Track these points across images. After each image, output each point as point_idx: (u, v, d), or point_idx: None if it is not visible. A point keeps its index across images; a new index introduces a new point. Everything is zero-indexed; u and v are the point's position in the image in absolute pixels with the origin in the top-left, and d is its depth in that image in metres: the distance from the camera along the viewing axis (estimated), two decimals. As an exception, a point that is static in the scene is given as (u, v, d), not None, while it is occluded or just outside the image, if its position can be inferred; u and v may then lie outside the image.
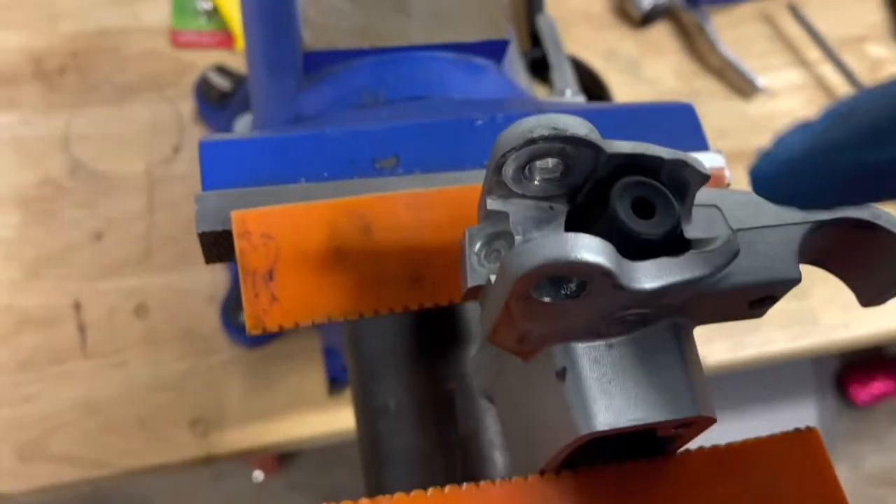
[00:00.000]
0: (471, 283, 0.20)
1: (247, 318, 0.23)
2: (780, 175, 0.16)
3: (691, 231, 0.20)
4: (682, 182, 0.20)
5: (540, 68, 0.61)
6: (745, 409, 1.12)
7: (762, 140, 0.62)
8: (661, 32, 0.67)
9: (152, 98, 0.58)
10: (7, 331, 0.50)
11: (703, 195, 0.21)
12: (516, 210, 0.20)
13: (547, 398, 0.21)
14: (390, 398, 0.33)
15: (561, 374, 0.20)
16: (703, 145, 0.29)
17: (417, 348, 0.33)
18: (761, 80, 0.64)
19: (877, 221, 0.21)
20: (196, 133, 0.58)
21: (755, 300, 0.21)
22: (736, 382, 1.14)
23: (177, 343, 0.52)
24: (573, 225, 0.21)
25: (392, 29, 0.34)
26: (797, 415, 1.17)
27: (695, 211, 0.21)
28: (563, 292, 0.18)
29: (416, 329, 0.33)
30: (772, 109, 0.65)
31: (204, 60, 0.59)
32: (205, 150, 0.24)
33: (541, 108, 0.33)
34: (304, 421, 0.51)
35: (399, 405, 0.33)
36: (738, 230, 0.20)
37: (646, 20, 0.65)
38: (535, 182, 0.20)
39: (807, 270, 0.51)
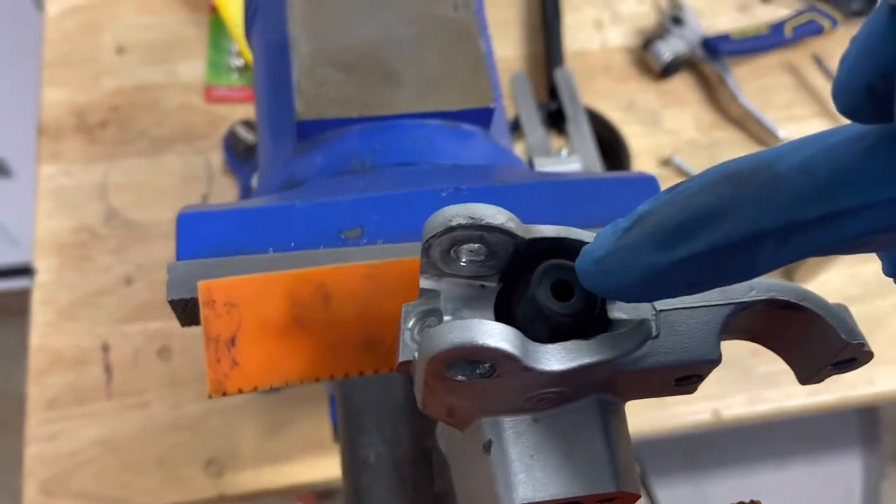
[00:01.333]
0: (401, 358, 0.21)
1: (208, 382, 0.24)
2: (593, 272, 0.17)
3: (616, 312, 0.21)
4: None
5: (557, 120, 0.63)
6: (787, 460, 1.09)
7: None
8: (681, 83, 0.67)
9: (185, 150, 0.62)
10: (39, 370, 0.53)
11: (631, 276, 0.22)
12: (448, 288, 0.22)
13: (477, 469, 0.22)
14: (371, 451, 0.34)
15: (487, 447, 0.21)
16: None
17: (402, 403, 0.34)
18: (782, 132, 0.63)
19: (801, 303, 0.22)
20: (224, 183, 0.61)
21: (680, 378, 0.22)
22: (779, 431, 1.11)
23: (196, 385, 0.54)
24: (503, 303, 0.22)
25: (381, 98, 0.36)
26: (842, 467, 1.13)
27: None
28: (477, 372, 0.19)
29: (403, 383, 0.34)
30: (795, 160, 0.65)
31: (234, 114, 0.62)
32: (181, 221, 0.26)
33: (520, 174, 0.34)
34: (314, 465, 0.53)
35: (379, 459, 0.34)
36: (661, 311, 0.21)
37: (666, 72, 0.66)
38: (462, 263, 0.21)
39: None
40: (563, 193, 0.30)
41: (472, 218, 0.20)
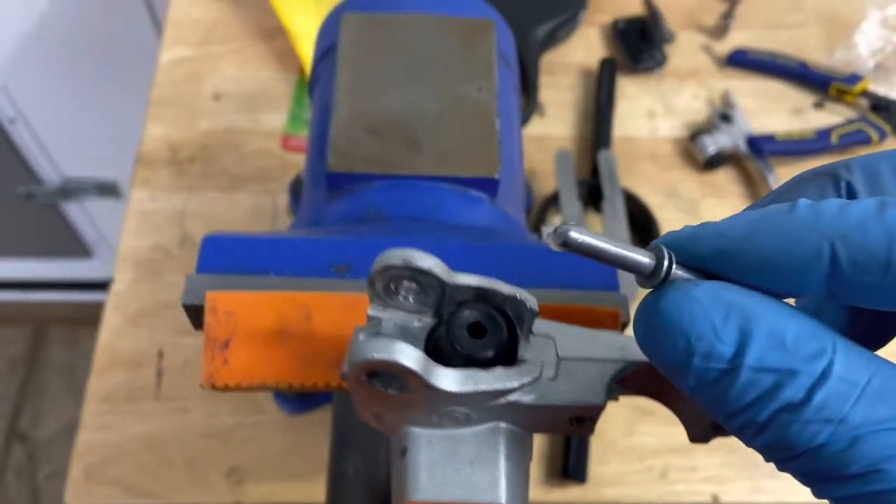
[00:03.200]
0: (343, 371, 0.26)
1: (203, 375, 0.30)
2: None
3: (526, 353, 0.25)
4: (520, 314, 0.25)
5: (596, 197, 0.67)
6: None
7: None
8: (724, 177, 0.70)
9: (257, 189, 0.69)
10: (101, 367, 0.60)
11: (543, 326, 0.26)
12: (390, 317, 0.26)
13: (396, 470, 0.26)
14: (351, 464, 0.39)
15: (403, 452, 0.25)
16: (613, 285, 0.33)
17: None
18: (817, 232, 0.65)
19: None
20: (286, 222, 0.67)
21: (573, 418, 0.25)
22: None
23: (232, 399, 0.59)
24: (436, 337, 0.26)
25: (402, 160, 0.41)
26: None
27: (535, 339, 0.26)
28: (393, 385, 0.24)
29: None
30: (829, 261, 0.66)
31: (304, 163, 0.69)
32: (205, 242, 0.32)
33: (504, 237, 0.39)
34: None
35: (356, 472, 0.38)
36: (563, 358, 0.25)
37: (710, 164, 0.69)
38: (401, 298, 0.26)
39: None
40: (525, 256, 0.34)
41: (405, 261, 0.24)
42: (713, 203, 0.69)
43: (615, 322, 0.32)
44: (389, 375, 0.24)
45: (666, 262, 0.19)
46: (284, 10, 0.73)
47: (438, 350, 0.25)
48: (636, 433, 0.59)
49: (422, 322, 0.26)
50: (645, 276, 0.20)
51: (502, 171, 0.41)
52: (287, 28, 0.74)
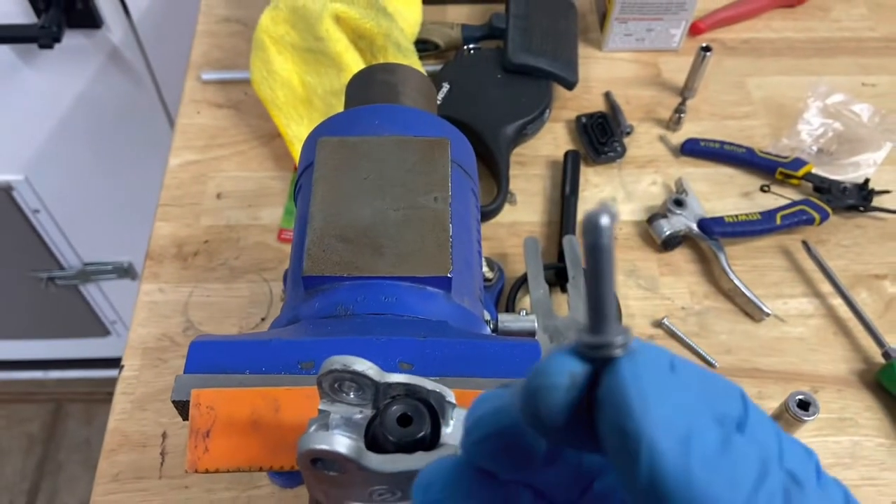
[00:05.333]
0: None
1: (187, 461, 0.36)
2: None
3: (447, 438, 0.31)
4: (441, 405, 0.31)
5: (563, 279, 0.73)
6: None
7: (765, 360, 0.69)
8: (681, 256, 0.76)
9: (255, 278, 0.76)
10: (110, 449, 0.66)
11: (463, 413, 0.32)
12: (337, 410, 0.32)
13: (341, 538, 0.32)
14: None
15: (345, 526, 0.31)
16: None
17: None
18: (768, 308, 0.71)
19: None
20: (280, 307, 0.74)
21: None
22: None
23: (229, 475, 0.65)
24: (372, 426, 0.32)
25: (367, 263, 0.48)
26: None
27: (455, 425, 0.32)
28: (333, 468, 0.30)
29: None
30: (781, 333, 0.72)
31: (297, 254, 0.76)
32: (192, 347, 0.39)
33: (452, 332, 0.45)
34: (315, 557, 0.62)
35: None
36: (475, 442, 0.31)
37: (666, 245, 0.75)
38: (345, 394, 0.32)
39: None
40: (465, 350, 0.40)
41: (345, 365, 0.31)
42: (671, 280, 0.75)
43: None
44: (330, 460, 0.30)
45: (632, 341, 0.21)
46: (280, 118, 0.81)
47: (375, 437, 0.31)
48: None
49: (363, 414, 0.32)
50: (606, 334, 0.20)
51: (455, 270, 0.48)
52: (283, 133, 0.82)
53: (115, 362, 0.70)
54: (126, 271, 1.62)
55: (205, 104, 0.88)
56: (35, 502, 1.76)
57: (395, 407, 0.31)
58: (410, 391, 0.31)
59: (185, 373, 0.38)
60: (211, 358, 0.38)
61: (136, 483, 0.64)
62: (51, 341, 1.85)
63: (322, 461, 0.30)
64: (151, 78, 1.24)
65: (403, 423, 0.31)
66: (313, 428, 0.32)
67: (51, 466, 1.84)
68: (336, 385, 0.32)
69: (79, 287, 1.66)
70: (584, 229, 0.19)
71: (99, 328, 1.79)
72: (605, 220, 0.19)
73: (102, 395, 1.87)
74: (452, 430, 0.31)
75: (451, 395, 0.31)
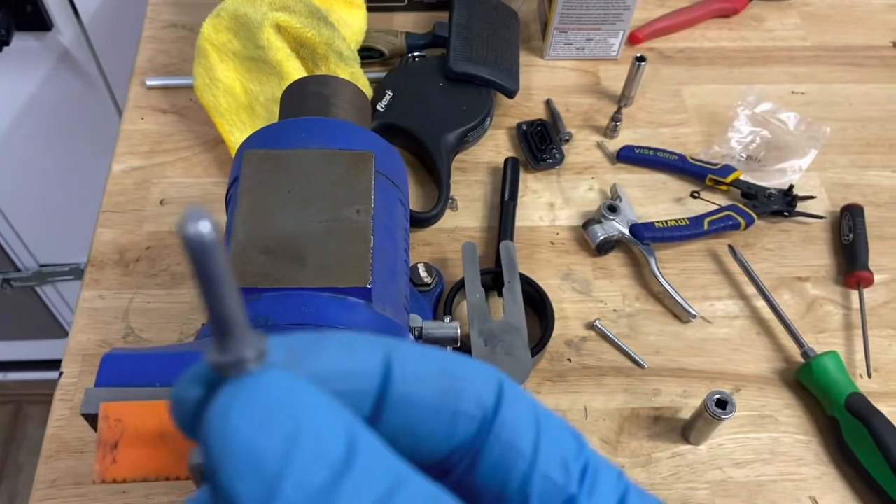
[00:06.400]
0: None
1: (95, 471, 0.37)
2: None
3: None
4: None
5: (499, 283, 0.75)
6: None
7: (692, 360, 0.72)
8: (614, 260, 0.78)
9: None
10: (48, 455, 0.66)
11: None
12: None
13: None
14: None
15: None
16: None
17: None
18: (694, 310, 0.73)
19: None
20: (221, 315, 0.75)
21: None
22: None
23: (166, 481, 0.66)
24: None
25: (288, 275, 0.49)
26: None
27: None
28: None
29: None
30: (707, 334, 0.74)
31: (239, 259, 0.77)
32: (104, 360, 0.40)
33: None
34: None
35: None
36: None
37: (600, 250, 0.78)
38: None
39: (714, 486, 0.62)
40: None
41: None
42: (604, 283, 0.77)
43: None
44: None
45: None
46: (223, 125, 0.82)
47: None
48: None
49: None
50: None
51: (375, 280, 0.49)
52: (226, 140, 0.83)
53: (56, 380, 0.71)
54: (83, 273, 1.62)
55: (149, 110, 0.89)
56: (-7, 505, 1.75)
57: None
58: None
59: (95, 386, 0.39)
60: (122, 371, 0.40)
61: (75, 489, 0.65)
62: (9, 343, 1.84)
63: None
64: (103, 80, 1.24)
65: None
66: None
67: (10, 469, 1.83)
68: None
69: (35, 289, 1.65)
70: (182, 242, 0.17)
71: (57, 330, 1.78)
72: (195, 228, 0.17)
73: (63, 396, 1.87)
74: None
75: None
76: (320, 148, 0.55)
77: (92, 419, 0.38)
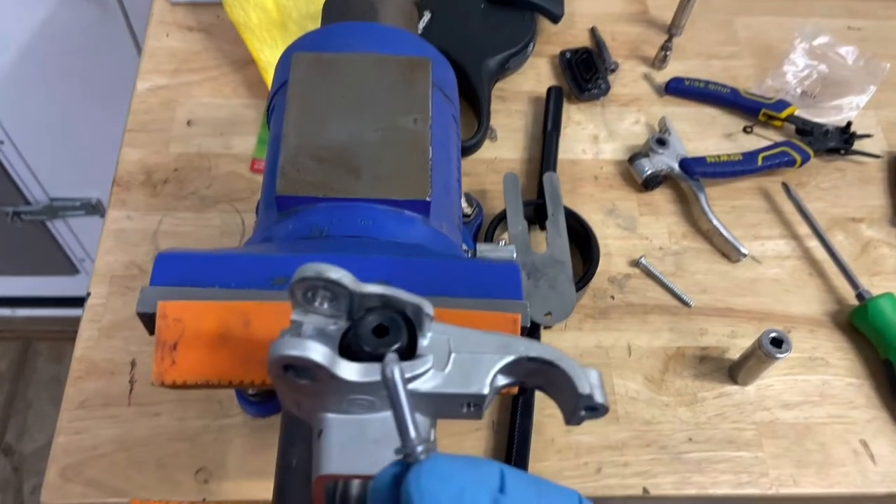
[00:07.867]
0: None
1: (153, 373, 0.34)
2: None
3: (424, 350, 0.30)
4: (419, 317, 0.30)
5: (541, 216, 0.72)
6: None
7: (740, 300, 0.69)
8: (661, 196, 0.75)
9: (226, 209, 0.74)
10: (77, 376, 0.64)
11: (440, 328, 0.31)
12: (310, 321, 0.31)
13: (314, 449, 0.31)
14: (295, 457, 0.43)
15: (318, 434, 0.30)
16: (517, 295, 0.38)
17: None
18: (745, 249, 0.71)
19: (555, 361, 0.30)
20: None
21: (466, 403, 0.30)
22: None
23: (200, 403, 0.64)
24: (347, 337, 0.31)
25: (343, 185, 0.46)
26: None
27: (432, 337, 0.31)
28: (305, 376, 0.29)
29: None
30: (757, 274, 0.72)
31: (271, 184, 0.74)
32: (158, 258, 0.37)
33: (432, 253, 0.44)
34: (285, 486, 0.62)
35: (299, 463, 0.43)
36: (455, 354, 0.30)
37: (647, 185, 0.74)
38: (318, 304, 0.31)
39: (761, 427, 0.61)
40: (444, 270, 0.39)
41: (318, 273, 0.29)
42: (650, 220, 0.74)
43: (514, 325, 0.37)
44: (302, 368, 0.29)
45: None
46: (253, 42, 0.78)
47: (350, 348, 0.30)
48: (574, 432, 0.63)
49: (337, 325, 0.31)
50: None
51: (433, 194, 0.47)
52: (256, 59, 0.79)
53: (84, 301, 0.68)
54: (94, 208, 1.58)
55: (174, 27, 0.85)
56: (4, 439, 1.75)
57: (370, 318, 0.30)
58: (386, 302, 0.30)
59: (150, 285, 0.36)
60: (178, 271, 0.37)
61: (104, 410, 0.63)
62: (18, 278, 1.81)
63: (294, 369, 0.28)
64: (118, 1, 1.19)
65: (379, 334, 0.30)
66: (280, 337, 0.31)
67: (20, 404, 1.83)
68: (309, 294, 0.30)
69: (46, 223, 1.62)
70: (383, 381, 0.26)
71: (67, 266, 1.75)
72: (392, 371, 0.26)
73: (72, 333, 1.84)
74: (429, 343, 0.30)
75: (429, 307, 0.30)
76: (373, 52, 0.52)
77: (148, 319, 0.36)
